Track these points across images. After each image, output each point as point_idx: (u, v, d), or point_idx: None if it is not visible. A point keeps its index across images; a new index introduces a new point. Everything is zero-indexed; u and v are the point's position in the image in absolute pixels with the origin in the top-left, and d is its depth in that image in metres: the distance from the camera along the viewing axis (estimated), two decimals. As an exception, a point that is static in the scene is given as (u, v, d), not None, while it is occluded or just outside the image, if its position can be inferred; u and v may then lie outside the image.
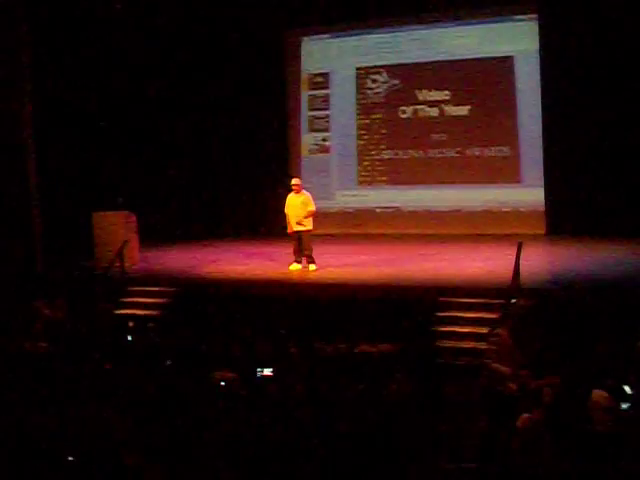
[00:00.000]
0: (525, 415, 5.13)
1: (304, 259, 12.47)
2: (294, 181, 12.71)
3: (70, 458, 4.16)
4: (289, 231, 12.54)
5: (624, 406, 5.64)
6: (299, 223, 12.33)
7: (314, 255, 12.48)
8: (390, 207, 16.94)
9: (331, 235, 15.70)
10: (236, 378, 6.89)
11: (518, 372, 6.90)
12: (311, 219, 12.42)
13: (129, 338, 8.99)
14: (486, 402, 6.55)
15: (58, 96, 14.53)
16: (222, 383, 6.87)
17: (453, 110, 16.34)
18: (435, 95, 16.47)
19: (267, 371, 7.10)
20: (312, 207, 12.35)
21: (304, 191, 12.53)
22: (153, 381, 6.71)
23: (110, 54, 15.76)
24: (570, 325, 9.05)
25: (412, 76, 16.65)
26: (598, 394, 5.37)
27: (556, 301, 9.63)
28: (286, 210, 12.49)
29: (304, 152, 17.76)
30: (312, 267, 12.43)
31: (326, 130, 17.61)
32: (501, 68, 15.88)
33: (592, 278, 10.75)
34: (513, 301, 9.56)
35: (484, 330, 9.86)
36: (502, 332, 7.35)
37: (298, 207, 12.33)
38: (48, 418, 5.17)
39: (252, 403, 5.99)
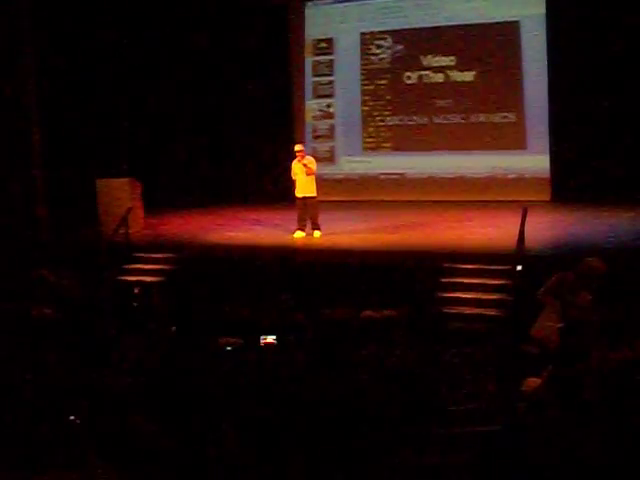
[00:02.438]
0: (531, 379, 5.15)
1: (309, 225, 12.49)
2: (298, 147, 12.70)
3: (72, 417, 4.19)
4: (297, 195, 12.58)
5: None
6: (304, 189, 12.36)
7: (319, 222, 12.50)
8: (395, 173, 16.88)
9: (336, 201, 15.67)
10: (241, 343, 6.92)
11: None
12: (315, 185, 12.42)
13: (134, 304, 9.02)
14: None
15: (62, 62, 14.43)
16: (228, 348, 6.89)
17: (458, 76, 16.21)
18: (440, 60, 16.33)
19: (270, 338, 7.10)
20: (313, 166, 12.38)
21: (308, 156, 12.56)
22: (158, 347, 6.74)
23: (114, 20, 15.65)
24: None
25: (417, 41, 16.50)
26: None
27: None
28: (293, 176, 12.55)
29: (308, 118, 17.66)
30: (317, 234, 12.44)
31: (330, 96, 17.49)
32: (507, 33, 15.70)
33: (596, 244, 10.74)
34: (519, 268, 9.58)
35: (488, 296, 9.96)
36: (586, 296, 7.14)
37: (303, 172, 12.35)
38: (53, 380, 5.22)
39: (257, 368, 6.01)
